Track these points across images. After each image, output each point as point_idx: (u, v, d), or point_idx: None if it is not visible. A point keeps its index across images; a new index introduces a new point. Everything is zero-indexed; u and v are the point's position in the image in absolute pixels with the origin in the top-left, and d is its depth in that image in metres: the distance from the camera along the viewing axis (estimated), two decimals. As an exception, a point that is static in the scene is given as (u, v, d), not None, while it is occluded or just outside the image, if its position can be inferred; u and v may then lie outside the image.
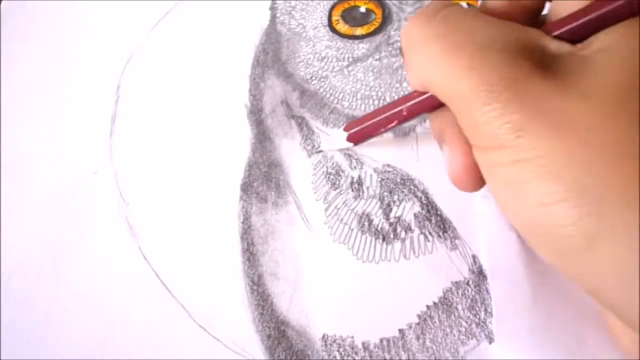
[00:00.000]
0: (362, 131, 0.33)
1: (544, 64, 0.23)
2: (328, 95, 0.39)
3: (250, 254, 0.34)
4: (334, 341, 0.31)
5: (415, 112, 0.29)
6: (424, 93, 0.28)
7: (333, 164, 0.37)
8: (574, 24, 0.24)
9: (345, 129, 0.33)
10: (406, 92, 0.39)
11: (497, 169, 0.23)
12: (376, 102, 0.39)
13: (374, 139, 0.34)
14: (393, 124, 0.31)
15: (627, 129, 0.21)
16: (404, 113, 0.30)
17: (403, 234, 0.34)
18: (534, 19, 0.27)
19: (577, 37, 0.24)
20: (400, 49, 0.29)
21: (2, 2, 0.45)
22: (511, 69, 0.22)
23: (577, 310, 0.30)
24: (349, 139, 0.33)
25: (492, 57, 0.23)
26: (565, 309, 0.31)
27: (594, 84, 0.22)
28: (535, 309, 0.30)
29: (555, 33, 0.24)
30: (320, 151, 0.37)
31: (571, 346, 0.30)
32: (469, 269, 0.32)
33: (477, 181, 0.26)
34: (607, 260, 0.20)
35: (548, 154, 0.21)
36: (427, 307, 0.32)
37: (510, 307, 0.31)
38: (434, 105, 0.28)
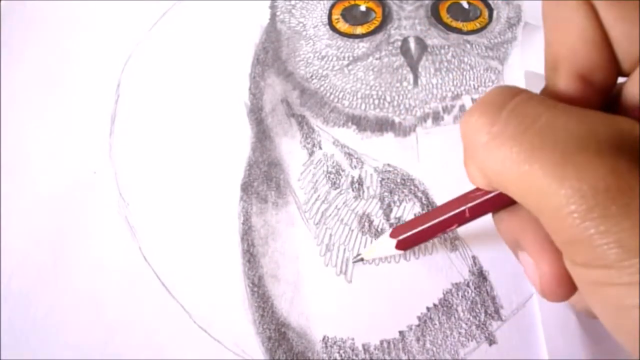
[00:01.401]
0: (413, 238, 0.30)
1: None
2: (328, 94, 0.39)
3: (251, 255, 0.34)
4: (335, 343, 0.31)
5: (481, 212, 0.26)
6: (489, 192, 0.25)
7: (333, 162, 0.36)
8: None
9: (393, 235, 0.30)
10: (407, 96, 0.39)
11: (602, 289, 0.20)
12: (376, 101, 0.39)
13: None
14: (452, 227, 0.28)
15: None
16: (467, 214, 0.27)
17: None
18: (607, 99, 0.24)
19: None
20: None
21: (2, 2, 0.45)
22: (615, 176, 0.19)
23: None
24: (399, 246, 0.30)
25: (588, 162, 0.19)
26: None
27: None
28: None
29: None
30: (361, 259, 0.33)
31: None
32: (469, 271, 0.32)
33: (571, 293, 0.23)
34: None
35: None
36: (427, 308, 0.32)
37: None
38: (504, 203, 0.25)
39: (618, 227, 0.18)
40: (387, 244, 0.31)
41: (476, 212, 0.26)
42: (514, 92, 0.23)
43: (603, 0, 0.23)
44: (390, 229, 0.31)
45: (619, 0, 0.23)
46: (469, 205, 0.26)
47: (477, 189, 0.26)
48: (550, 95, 0.24)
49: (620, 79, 0.24)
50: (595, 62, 0.23)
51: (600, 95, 0.24)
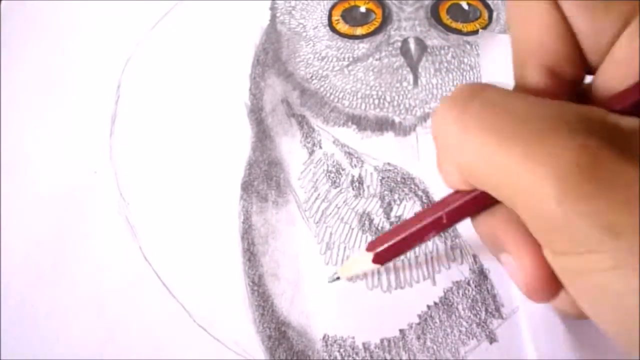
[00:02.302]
0: (391, 249, 0.28)
1: (617, 145, 0.19)
2: (328, 95, 0.39)
3: (251, 254, 0.34)
4: (335, 342, 0.31)
5: (459, 216, 0.26)
6: (467, 193, 0.25)
7: (334, 161, 0.36)
8: None
9: (369, 249, 0.29)
10: (407, 96, 0.39)
11: (587, 277, 0.19)
12: (376, 101, 0.39)
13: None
14: (430, 235, 0.27)
15: None
16: (444, 220, 0.26)
17: (404, 234, 0.34)
18: (575, 94, 0.24)
19: None
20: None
21: (2, 2, 0.45)
22: (587, 155, 0.18)
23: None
24: (376, 259, 0.29)
25: (559, 143, 0.19)
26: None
27: None
28: None
29: (620, 107, 0.21)
30: (338, 278, 0.32)
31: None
32: (470, 269, 0.32)
33: (556, 290, 0.23)
34: None
35: None
36: (428, 307, 0.31)
37: None
38: (482, 205, 0.25)
39: (595, 206, 0.18)
40: (363, 259, 0.29)
41: (454, 217, 0.26)
42: (483, 86, 0.23)
43: None
44: (366, 244, 0.30)
45: None
46: (446, 210, 0.26)
47: (454, 193, 0.25)
48: (521, 92, 0.24)
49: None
50: (562, 55, 0.23)
51: (569, 88, 0.24)
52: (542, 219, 0.20)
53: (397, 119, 0.38)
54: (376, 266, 0.29)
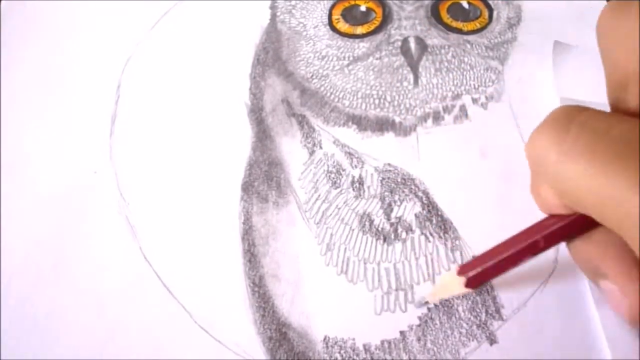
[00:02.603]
0: (485, 273, 0.28)
1: None
2: (328, 94, 0.39)
3: (252, 255, 0.34)
4: (335, 343, 0.31)
5: (556, 240, 0.26)
6: (565, 217, 0.25)
7: (334, 162, 0.36)
8: None
9: (460, 272, 0.29)
10: (408, 96, 0.39)
11: None
12: (377, 100, 0.39)
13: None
14: (526, 259, 0.27)
15: None
16: (541, 245, 0.26)
17: (404, 235, 0.34)
18: None
19: None
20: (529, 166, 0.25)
21: (2, 2, 0.45)
22: None
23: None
24: (468, 284, 0.29)
25: None
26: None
27: None
28: None
29: None
30: (427, 302, 0.31)
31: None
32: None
33: None
34: None
35: None
36: (428, 308, 0.32)
37: None
38: (579, 228, 0.24)
39: None
40: (454, 283, 0.29)
41: (551, 241, 0.26)
42: (580, 109, 0.22)
43: None
44: (456, 267, 0.29)
45: None
46: (544, 233, 0.26)
47: (550, 217, 0.25)
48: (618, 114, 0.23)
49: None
50: None
51: None
52: None
53: (397, 119, 0.38)
54: (467, 290, 0.29)
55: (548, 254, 0.29)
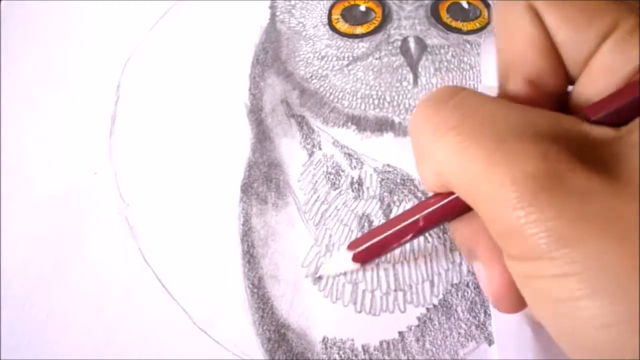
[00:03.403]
0: (369, 249, 0.29)
1: (583, 155, 0.20)
2: (328, 94, 0.39)
3: (251, 257, 0.34)
4: (334, 344, 0.31)
5: (435, 220, 0.26)
6: (444, 197, 0.25)
7: (333, 163, 0.36)
8: (619, 105, 0.21)
9: (350, 248, 0.30)
10: (407, 96, 0.39)
11: (535, 283, 0.20)
12: (376, 101, 0.39)
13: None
14: (407, 238, 0.27)
15: None
16: (420, 223, 0.26)
17: (403, 236, 0.34)
18: (557, 104, 0.24)
19: (620, 119, 0.21)
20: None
21: (2, 2, 0.45)
22: (546, 163, 0.19)
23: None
24: (355, 258, 0.30)
25: (521, 148, 0.19)
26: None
27: None
28: None
29: (595, 117, 0.21)
30: (320, 277, 0.33)
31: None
32: (469, 271, 0.32)
33: (522, 300, 0.22)
34: None
35: (603, 267, 0.18)
36: (427, 309, 0.32)
37: None
38: (457, 210, 0.25)
39: (546, 215, 0.18)
40: (344, 258, 0.30)
41: (430, 221, 0.26)
42: (459, 89, 0.23)
43: (545, 2, 0.23)
44: (349, 242, 0.30)
45: (560, 2, 0.23)
46: (423, 213, 0.26)
47: (432, 197, 0.26)
48: (504, 98, 0.24)
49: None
50: (542, 68, 0.24)
51: (550, 99, 0.24)
52: (500, 224, 0.20)
53: (396, 119, 0.38)
54: (356, 265, 0.30)
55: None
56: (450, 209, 0.25)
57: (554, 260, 0.18)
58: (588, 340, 0.18)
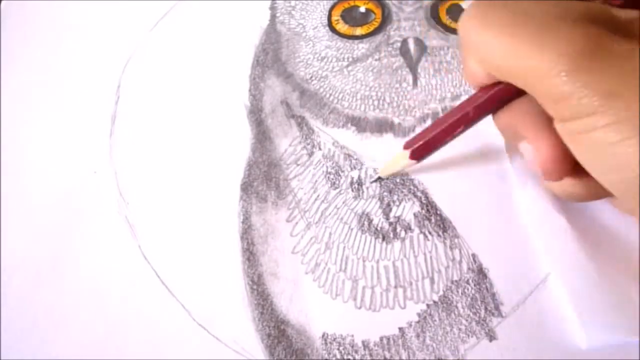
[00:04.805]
0: (425, 145, 0.32)
1: (616, 31, 0.23)
2: (328, 95, 0.39)
3: (250, 254, 0.34)
4: (334, 340, 0.31)
5: (484, 110, 0.29)
6: (490, 88, 0.28)
7: (333, 163, 0.37)
8: None
9: (406, 147, 0.32)
10: (407, 97, 0.39)
11: (589, 135, 0.23)
12: (376, 102, 0.39)
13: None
14: (459, 130, 0.30)
15: None
16: (470, 114, 0.29)
17: (403, 234, 0.34)
18: None
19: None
20: (458, 45, 0.29)
21: (2, 2, 0.45)
22: (587, 38, 0.23)
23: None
24: (412, 156, 0.32)
25: (564, 29, 0.23)
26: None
27: None
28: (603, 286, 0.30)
29: (618, 3, 0.25)
30: (380, 178, 0.36)
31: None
32: (469, 268, 0.32)
33: (568, 166, 0.27)
34: None
35: None
36: (427, 305, 0.32)
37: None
38: (504, 99, 0.28)
39: (596, 76, 0.22)
40: (402, 157, 0.33)
41: (479, 112, 0.29)
42: None
43: None
44: (404, 142, 0.33)
45: None
46: (473, 105, 0.29)
47: (479, 90, 0.28)
48: None
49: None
50: None
51: None
52: (552, 92, 0.23)
53: (396, 120, 0.38)
54: (413, 162, 0.33)
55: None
56: (497, 98, 0.28)
57: (606, 112, 0.22)
58: (633, 173, 0.22)
